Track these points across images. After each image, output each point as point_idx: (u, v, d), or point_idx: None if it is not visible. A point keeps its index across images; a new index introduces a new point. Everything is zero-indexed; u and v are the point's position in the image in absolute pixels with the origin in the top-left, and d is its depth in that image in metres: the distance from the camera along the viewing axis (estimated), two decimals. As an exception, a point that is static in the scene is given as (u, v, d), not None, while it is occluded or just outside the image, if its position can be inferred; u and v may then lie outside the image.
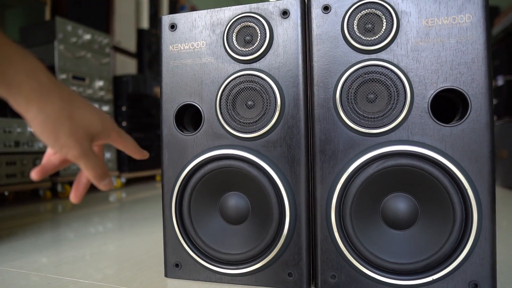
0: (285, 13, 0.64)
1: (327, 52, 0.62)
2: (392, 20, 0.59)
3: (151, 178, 3.09)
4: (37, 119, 0.36)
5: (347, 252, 0.61)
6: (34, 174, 0.42)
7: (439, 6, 0.58)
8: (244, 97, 0.66)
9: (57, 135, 0.37)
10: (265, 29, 0.65)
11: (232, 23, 0.67)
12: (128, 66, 3.00)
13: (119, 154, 2.48)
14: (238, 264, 0.67)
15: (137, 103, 2.69)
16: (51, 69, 2.06)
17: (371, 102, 0.60)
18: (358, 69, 0.60)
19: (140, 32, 3.18)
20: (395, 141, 0.59)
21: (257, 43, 0.65)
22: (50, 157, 0.45)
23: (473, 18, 0.57)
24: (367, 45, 0.60)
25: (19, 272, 0.78)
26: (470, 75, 0.57)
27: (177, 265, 0.71)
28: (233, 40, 0.66)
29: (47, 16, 2.33)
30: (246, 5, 0.67)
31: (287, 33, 0.64)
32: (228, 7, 0.67)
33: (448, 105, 0.64)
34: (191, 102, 0.69)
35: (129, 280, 0.71)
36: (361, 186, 0.60)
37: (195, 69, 0.69)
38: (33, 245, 1.00)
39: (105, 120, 0.43)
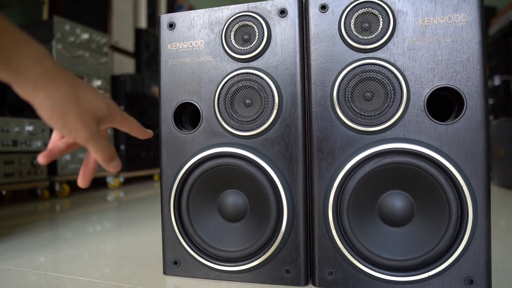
0: (282, 12, 0.65)
1: (324, 51, 0.63)
2: (389, 19, 0.60)
3: (149, 178, 3.09)
4: (45, 104, 0.37)
5: (344, 249, 0.62)
6: (41, 158, 0.43)
7: (435, 5, 0.59)
8: (242, 95, 0.66)
9: (65, 119, 0.38)
10: (263, 28, 0.65)
11: (230, 22, 0.67)
12: (126, 66, 3.00)
13: (118, 153, 2.48)
14: (236, 261, 0.67)
15: (135, 103, 2.69)
16: (49, 68, 2.05)
17: (368, 100, 0.61)
18: (355, 67, 0.61)
19: (138, 32, 3.18)
20: (392, 139, 0.60)
21: (255, 42, 0.66)
22: (56, 142, 0.45)
23: (468, 18, 0.58)
24: (364, 44, 0.61)
25: (18, 270, 0.78)
26: (466, 74, 0.58)
27: (175, 263, 0.71)
28: (231, 39, 0.67)
29: (45, 15, 2.33)
30: (244, 4, 0.67)
31: (285, 32, 0.65)
32: (226, 6, 0.68)
33: (444, 104, 0.65)
34: (189, 100, 0.70)
35: (128, 278, 0.71)
36: (358, 183, 0.61)
37: (193, 67, 0.70)
38: (31, 244, 1.01)
39: (109, 103, 0.44)
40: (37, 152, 1.94)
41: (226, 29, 0.67)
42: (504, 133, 2.11)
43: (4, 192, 1.91)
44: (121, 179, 2.56)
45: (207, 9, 0.69)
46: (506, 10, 2.53)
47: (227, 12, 0.68)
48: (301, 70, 0.65)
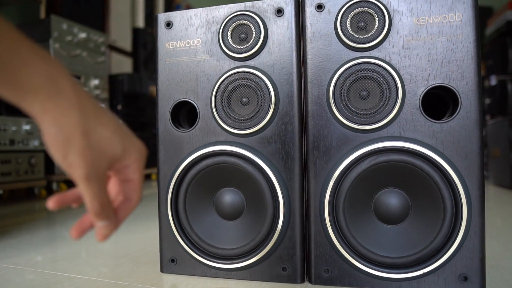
0: (279, 12, 0.65)
1: (320, 50, 0.64)
2: (384, 19, 0.60)
3: (147, 177, 3.09)
4: (50, 131, 0.32)
5: (340, 246, 0.62)
6: (52, 203, 0.37)
7: (430, 5, 0.59)
8: (239, 94, 0.67)
9: (66, 151, 0.33)
10: (259, 27, 0.66)
11: (227, 21, 0.67)
12: (123, 65, 3.00)
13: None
14: (233, 259, 0.68)
15: (133, 102, 2.69)
16: (46, 67, 2.05)
17: (364, 99, 0.61)
18: (351, 66, 0.61)
19: (136, 31, 3.18)
20: (387, 137, 0.60)
21: (251, 41, 0.66)
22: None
23: (463, 17, 0.58)
24: (360, 43, 0.61)
25: (15, 269, 0.78)
26: (460, 73, 0.59)
27: (172, 261, 0.71)
28: (228, 38, 0.67)
29: (42, 14, 2.33)
30: (241, 3, 0.67)
31: (281, 31, 0.65)
32: (224, 5, 0.68)
33: (438, 102, 0.65)
34: (186, 99, 0.70)
35: (125, 276, 0.72)
36: (354, 181, 0.61)
37: (190, 66, 0.70)
38: (28, 243, 1.01)
39: (129, 144, 0.37)
40: (34, 151, 1.94)
41: (223, 28, 0.68)
42: (500, 132, 2.13)
43: (1, 192, 1.90)
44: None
45: (204, 8, 0.69)
46: (503, 11, 2.55)
47: (224, 11, 0.68)
48: (297, 69, 0.65)
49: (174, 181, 0.70)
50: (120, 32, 2.97)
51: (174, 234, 0.70)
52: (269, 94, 0.65)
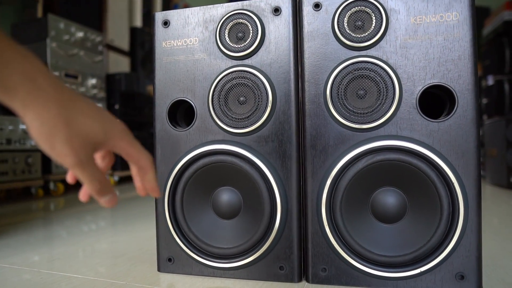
0: (276, 10, 0.65)
1: (318, 49, 0.64)
2: (381, 18, 0.60)
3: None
4: (33, 125, 0.34)
5: (337, 245, 0.62)
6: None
7: (427, 4, 0.59)
8: (236, 93, 0.67)
9: (52, 142, 0.35)
10: (257, 26, 0.65)
11: (225, 20, 0.67)
12: (121, 64, 2.99)
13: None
14: (230, 258, 0.68)
15: (130, 101, 2.69)
16: (43, 66, 2.04)
17: (361, 98, 0.61)
18: (348, 65, 0.61)
19: (133, 30, 3.17)
20: (384, 136, 0.61)
21: (249, 39, 0.66)
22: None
23: (459, 16, 0.58)
24: (357, 42, 0.61)
25: (12, 268, 0.78)
26: (457, 72, 0.59)
27: (170, 260, 0.71)
28: (226, 36, 0.67)
29: (39, 13, 2.32)
30: (239, 2, 0.67)
31: (278, 30, 0.65)
32: (221, 4, 0.68)
33: (435, 101, 0.65)
34: (184, 98, 0.70)
35: (122, 275, 0.71)
36: (351, 180, 0.61)
37: (188, 65, 0.70)
38: (25, 243, 1.00)
39: (110, 127, 0.39)
40: (31, 150, 1.93)
41: (221, 27, 0.67)
42: (497, 132, 2.13)
43: (-3, 191, 1.90)
44: (116, 178, 2.55)
45: (202, 7, 0.69)
46: (500, 11, 2.56)
47: (221, 10, 0.68)
48: (294, 68, 0.65)
49: (171, 180, 0.69)
50: (118, 31, 2.96)
51: (171, 233, 0.70)
52: (266, 93, 0.65)
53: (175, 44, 0.70)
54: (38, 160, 1.97)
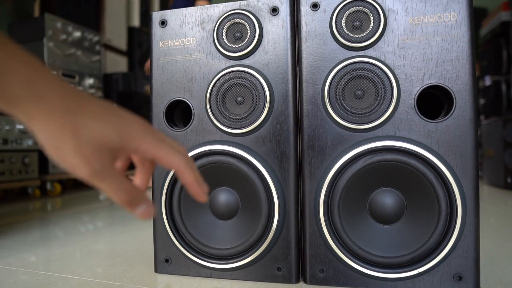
0: (274, 10, 0.65)
1: (315, 49, 0.63)
2: (380, 18, 0.60)
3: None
4: (41, 137, 0.31)
5: (335, 246, 0.62)
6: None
7: (425, 4, 0.59)
8: (234, 93, 0.66)
9: (62, 154, 0.31)
10: (254, 26, 0.65)
11: (222, 19, 0.67)
12: (118, 64, 2.99)
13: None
14: (227, 259, 0.67)
15: (128, 101, 2.68)
16: (40, 66, 2.04)
17: (359, 98, 0.61)
18: (346, 65, 0.61)
19: (131, 30, 3.16)
20: (382, 136, 0.60)
21: (246, 39, 0.66)
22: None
23: (457, 17, 0.58)
24: (355, 42, 0.61)
25: (8, 269, 0.77)
26: (455, 72, 0.59)
27: (167, 261, 0.71)
28: (223, 36, 0.67)
29: (36, 12, 2.31)
30: (236, 2, 0.67)
31: (276, 30, 0.65)
32: (218, 4, 0.68)
33: (433, 102, 0.65)
34: (181, 98, 0.70)
35: (119, 276, 0.71)
36: (349, 181, 0.61)
37: (185, 65, 0.69)
38: (21, 243, 1.00)
39: (126, 128, 0.34)
40: (28, 150, 1.92)
41: (218, 26, 0.67)
42: (495, 133, 2.14)
43: (-6, 191, 1.89)
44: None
45: (199, 6, 0.69)
46: (497, 12, 2.56)
47: (219, 9, 0.68)
48: (292, 68, 0.65)
49: (168, 180, 0.69)
50: (115, 31, 2.95)
51: (168, 234, 0.70)
52: (264, 93, 0.64)
53: (172, 44, 0.70)
54: (35, 160, 1.96)
